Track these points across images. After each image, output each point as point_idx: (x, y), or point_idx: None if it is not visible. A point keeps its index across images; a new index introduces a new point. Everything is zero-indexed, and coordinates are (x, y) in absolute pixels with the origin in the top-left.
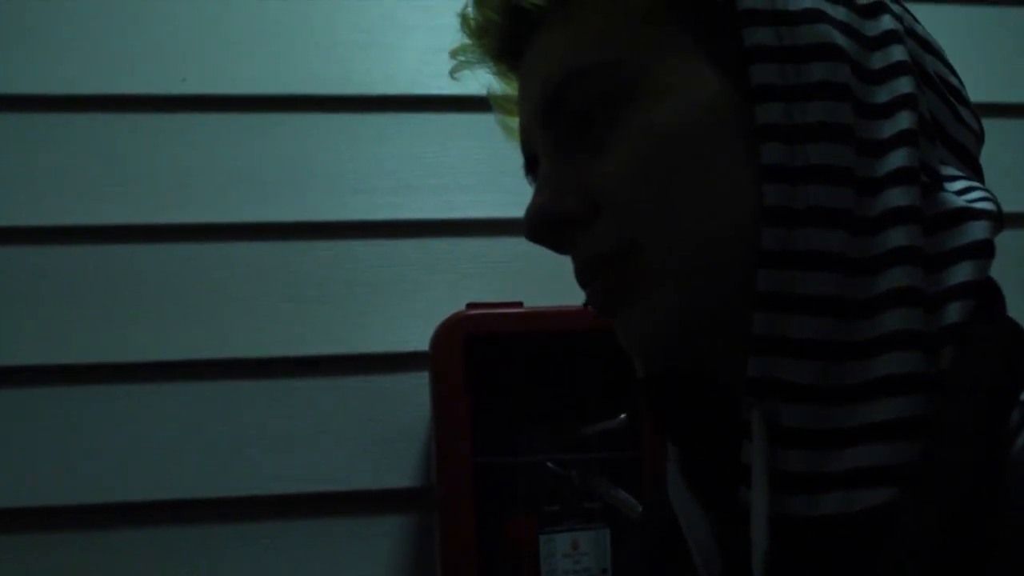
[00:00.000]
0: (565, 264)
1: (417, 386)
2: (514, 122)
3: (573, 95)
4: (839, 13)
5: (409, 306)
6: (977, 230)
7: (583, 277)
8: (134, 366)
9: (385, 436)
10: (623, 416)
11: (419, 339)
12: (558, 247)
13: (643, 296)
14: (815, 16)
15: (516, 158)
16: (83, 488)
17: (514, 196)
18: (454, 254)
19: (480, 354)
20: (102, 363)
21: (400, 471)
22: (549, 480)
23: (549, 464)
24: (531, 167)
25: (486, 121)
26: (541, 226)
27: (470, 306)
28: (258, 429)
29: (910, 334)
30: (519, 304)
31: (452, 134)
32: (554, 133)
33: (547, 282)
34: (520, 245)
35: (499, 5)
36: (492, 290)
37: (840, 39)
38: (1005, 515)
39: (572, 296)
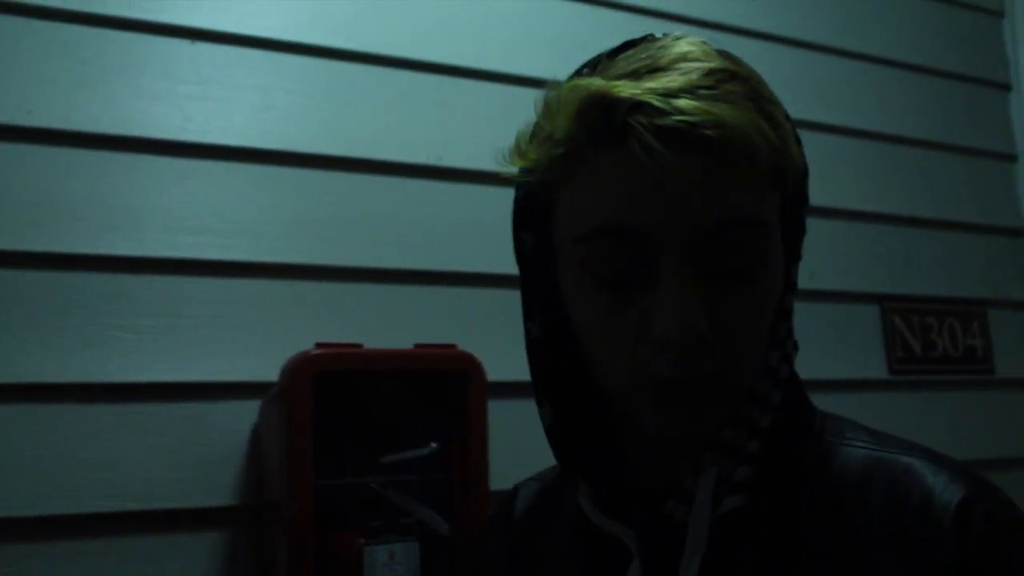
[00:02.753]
0: (397, 310)
1: (236, 414)
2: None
3: (736, 236)
4: None
5: (234, 340)
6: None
7: (683, 373)
8: None
9: (208, 459)
10: (433, 445)
11: (240, 370)
12: (701, 343)
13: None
14: None
15: (344, 214)
16: None
17: (299, 242)
18: (274, 295)
19: (322, 388)
20: None
21: (219, 491)
22: (373, 499)
23: (373, 486)
24: (618, 235)
25: (346, 178)
26: (697, 341)
27: (319, 345)
28: (83, 450)
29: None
30: (359, 345)
31: (301, 185)
32: (704, 257)
33: (373, 325)
34: (346, 290)
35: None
36: (313, 331)
37: None
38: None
39: (402, 339)
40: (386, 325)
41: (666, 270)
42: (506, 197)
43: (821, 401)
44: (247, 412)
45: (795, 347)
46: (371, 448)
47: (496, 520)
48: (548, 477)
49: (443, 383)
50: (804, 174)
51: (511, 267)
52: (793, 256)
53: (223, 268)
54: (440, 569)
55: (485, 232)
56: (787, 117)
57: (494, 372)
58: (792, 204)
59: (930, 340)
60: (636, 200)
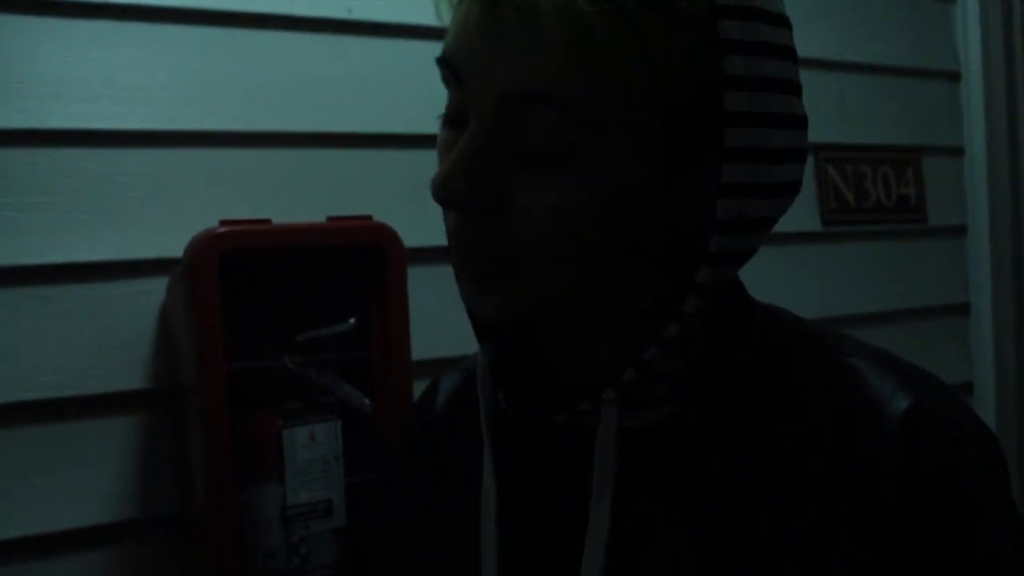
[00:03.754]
0: (308, 183)
1: (142, 293)
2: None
3: (533, 115)
4: None
5: (134, 215)
6: None
7: (460, 241)
8: None
9: (113, 341)
10: (352, 321)
11: (143, 248)
12: (457, 209)
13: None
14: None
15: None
16: None
17: (238, 109)
18: (183, 166)
19: (230, 266)
20: None
21: (128, 375)
22: (291, 380)
23: (290, 366)
24: (450, 80)
25: (248, 36)
26: (462, 187)
27: (223, 223)
28: None
29: None
30: (268, 221)
31: (200, 45)
32: (506, 129)
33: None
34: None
35: None
36: (219, 203)
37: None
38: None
39: (314, 213)
40: (297, 197)
41: (470, 126)
42: (421, 52)
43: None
44: (154, 291)
45: (729, 294)
46: (287, 328)
47: (416, 415)
48: (470, 366)
49: (359, 257)
50: (710, 82)
51: (426, 126)
52: (722, 187)
53: (117, 138)
54: (363, 446)
55: (399, 90)
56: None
57: (412, 239)
58: (694, 118)
59: (864, 189)
60: (456, 44)
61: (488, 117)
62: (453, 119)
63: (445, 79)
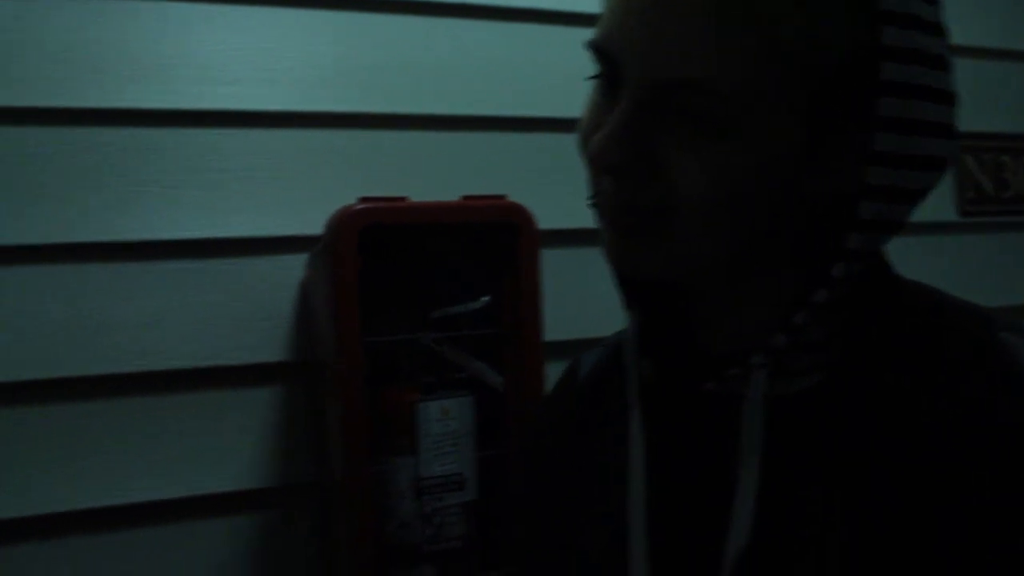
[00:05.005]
0: (444, 163)
1: (282, 269)
2: None
3: (680, 96)
4: None
5: (275, 194)
6: None
7: (613, 200)
8: (26, 248)
9: (253, 315)
10: (486, 299)
11: (283, 225)
12: (614, 172)
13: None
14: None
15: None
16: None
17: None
18: (323, 146)
19: (368, 243)
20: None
21: (267, 347)
22: (425, 356)
23: (425, 342)
24: (603, 61)
25: (387, 20)
26: (619, 152)
27: (362, 199)
28: (120, 310)
29: None
30: (405, 199)
31: (340, 28)
32: (657, 106)
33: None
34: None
35: None
36: (357, 183)
37: None
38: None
39: (450, 191)
40: (433, 176)
41: (625, 99)
42: (559, 37)
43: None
44: (293, 267)
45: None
46: (421, 304)
47: (560, 390)
48: (612, 342)
49: (493, 235)
50: (864, 53)
51: (563, 110)
52: (875, 155)
53: (260, 119)
54: (493, 423)
55: (537, 74)
56: None
57: (547, 221)
58: (846, 88)
59: (1002, 179)
60: (612, 27)
61: (644, 97)
62: (606, 85)
63: (598, 60)
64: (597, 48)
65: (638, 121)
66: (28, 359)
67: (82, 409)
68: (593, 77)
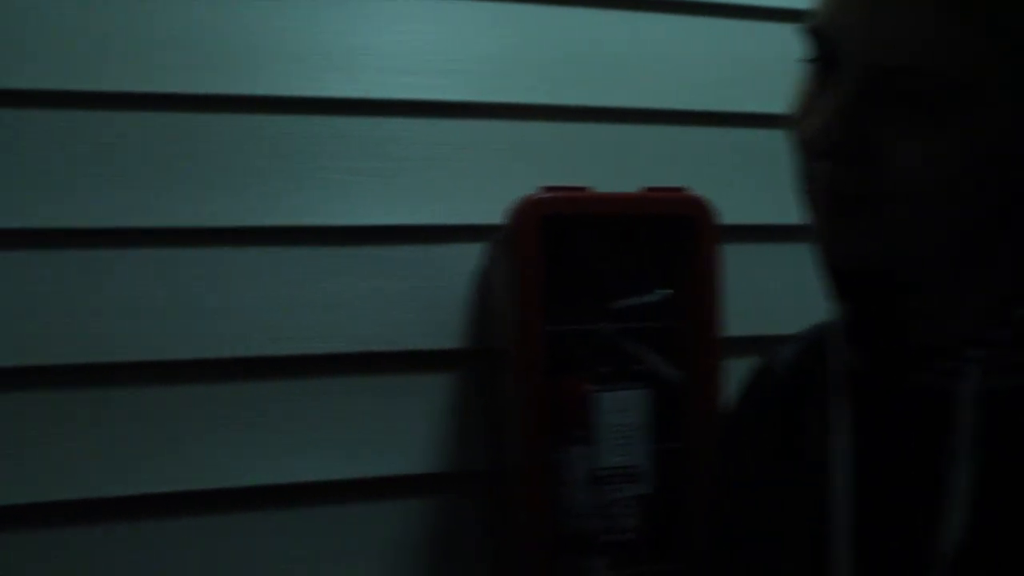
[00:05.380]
0: (625, 155)
1: (459, 257)
2: None
3: (903, 80)
4: None
5: (455, 183)
6: None
7: (827, 184)
8: (214, 231)
9: (430, 302)
10: (665, 292)
11: (463, 213)
12: (829, 156)
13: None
14: None
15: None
16: (188, 343)
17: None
18: (502, 137)
19: (547, 232)
20: (190, 227)
21: (443, 334)
22: (602, 346)
23: (603, 332)
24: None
25: (569, 13)
26: (836, 136)
27: (545, 188)
28: (307, 293)
29: None
30: (585, 189)
31: (522, 20)
32: (876, 85)
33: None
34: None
35: None
36: (537, 174)
37: None
38: None
39: (630, 183)
40: (613, 168)
41: (843, 84)
42: (741, 31)
43: None
44: (470, 255)
45: None
46: (597, 294)
47: (754, 388)
48: (808, 337)
49: (672, 228)
50: None
51: (744, 104)
52: None
53: (441, 109)
54: (668, 416)
55: (717, 68)
56: None
57: (729, 215)
58: None
59: None
60: (831, 12)
61: (865, 82)
62: (820, 69)
63: (814, 44)
64: (816, 32)
65: (857, 105)
66: (219, 338)
67: (264, 388)
68: (806, 61)
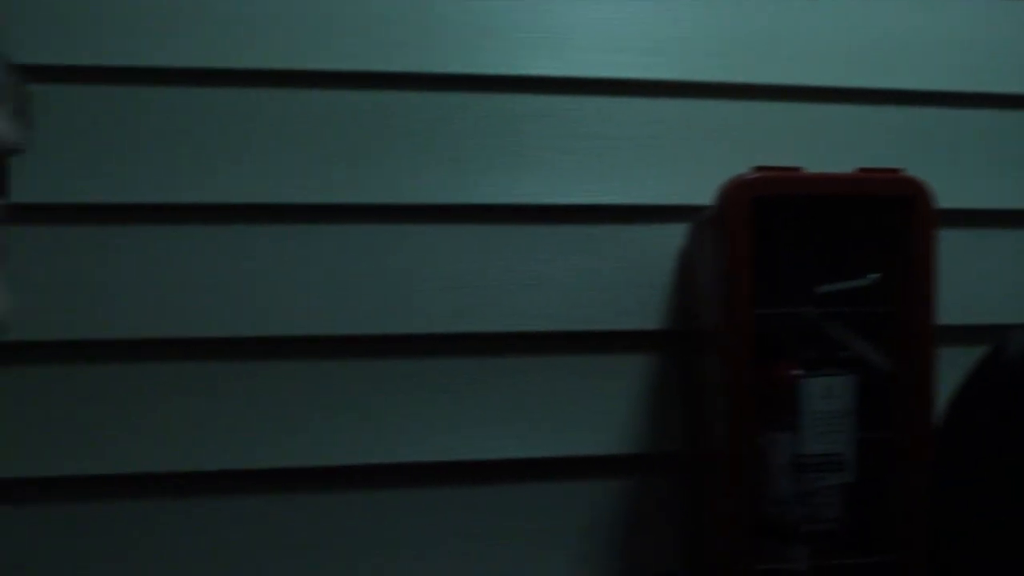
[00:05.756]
0: (839, 132)
1: (661, 237)
2: None
3: None
4: None
5: (661, 162)
6: None
7: None
8: (416, 208)
9: (633, 282)
10: (875, 276)
11: (669, 193)
12: None
13: None
14: None
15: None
16: (383, 318)
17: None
18: (709, 117)
19: (758, 213)
20: (390, 204)
21: (644, 314)
22: (809, 330)
23: (811, 316)
24: None
25: None
26: None
27: (756, 168)
28: (515, 270)
29: None
30: (798, 169)
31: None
32: None
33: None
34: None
35: None
36: (747, 154)
37: None
38: None
39: (843, 164)
40: (826, 148)
41: None
42: (962, 10)
43: None
44: (673, 235)
45: None
46: (806, 276)
47: (985, 375)
48: None
49: (887, 210)
50: None
51: (966, 84)
52: None
53: (647, 88)
54: (875, 404)
55: (937, 47)
56: None
57: (946, 199)
58: None
59: None
60: None
61: None
62: None
63: None
64: None
65: None
66: (415, 314)
67: (459, 365)
68: None
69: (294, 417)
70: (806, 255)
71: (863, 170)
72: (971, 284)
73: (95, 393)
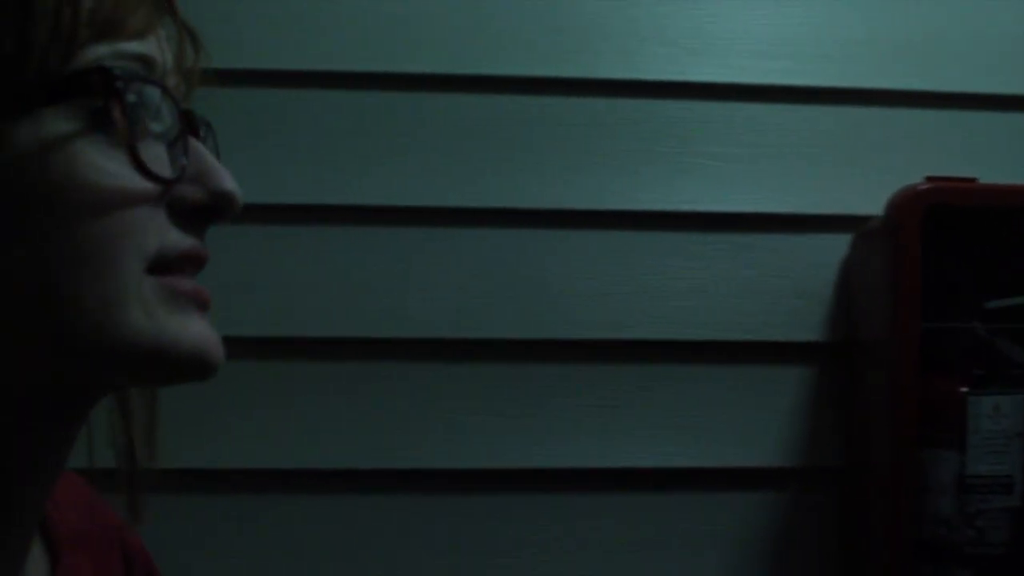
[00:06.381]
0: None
1: (822, 247)
2: None
3: None
4: None
5: (823, 171)
6: None
7: None
8: (572, 213)
9: (791, 292)
10: None
11: (831, 203)
12: None
13: None
14: None
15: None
16: (528, 323)
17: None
18: (871, 124)
19: (929, 224)
20: (548, 209)
21: (800, 326)
22: (978, 346)
23: (979, 331)
24: None
25: None
26: None
27: (928, 179)
28: (672, 277)
29: None
30: (974, 180)
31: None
32: None
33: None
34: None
35: None
36: (917, 163)
37: None
38: None
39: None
40: (1003, 158)
41: None
42: None
43: None
44: (835, 246)
45: None
46: (976, 291)
47: None
48: None
49: None
50: None
51: None
52: None
53: (812, 95)
54: None
55: None
56: None
57: None
58: None
59: None
60: None
61: None
62: None
63: None
64: None
65: None
66: (564, 319)
67: (612, 372)
68: None
69: (436, 419)
70: (975, 268)
71: None
72: None
73: (274, 389)
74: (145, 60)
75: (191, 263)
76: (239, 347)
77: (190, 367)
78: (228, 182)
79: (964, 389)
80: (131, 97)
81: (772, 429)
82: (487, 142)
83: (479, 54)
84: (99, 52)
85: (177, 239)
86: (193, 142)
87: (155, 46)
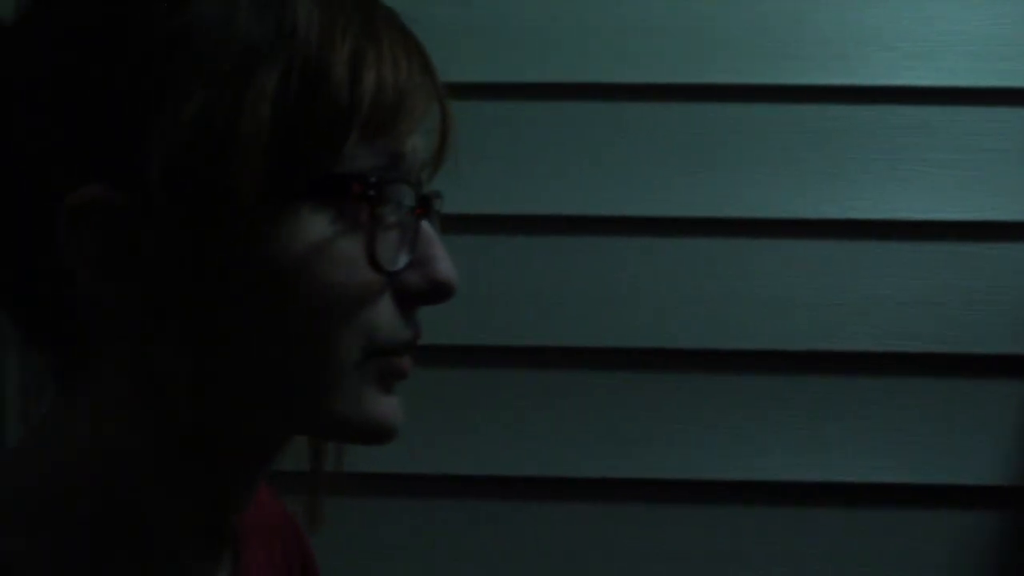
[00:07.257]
0: None
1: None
2: None
3: None
4: None
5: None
6: None
7: None
8: (779, 221)
9: (981, 301)
10: None
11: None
12: None
13: None
14: None
15: None
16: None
17: None
18: None
19: None
20: (756, 218)
21: (1000, 336)
22: None
23: None
24: None
25: None
26: None
27: None
28: (886, 288)
29: None
30: None
31: None
32: None
33: None
34: None
35: None
36: None
37: None
38: None
39: None
40: None
41: None
42: None
43: None
44: None
45: None
46: None
47: None
48: None
49: None
50: None
51: None
52: None
53: None
54: None
55: None
56: None
57: None
58: None
59: None
60: None
61: None
62: None
63: None
64: None
65: None
66: (779, 330)
67: (822, 383)
68: None
69: (621, 427)
70: None
71: None
72: None
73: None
74: (401, 156)
75: (407, 348)
76: (441, 355)
77: (377, 438)
78: (446, 271)
79: None
80: (379, 199)
81: (990, 446)
82: (693, 151)
83: (690, 63)
84: (361, 152)
85: (399, 329)
86: (423, 226)
87: (416, 140)
